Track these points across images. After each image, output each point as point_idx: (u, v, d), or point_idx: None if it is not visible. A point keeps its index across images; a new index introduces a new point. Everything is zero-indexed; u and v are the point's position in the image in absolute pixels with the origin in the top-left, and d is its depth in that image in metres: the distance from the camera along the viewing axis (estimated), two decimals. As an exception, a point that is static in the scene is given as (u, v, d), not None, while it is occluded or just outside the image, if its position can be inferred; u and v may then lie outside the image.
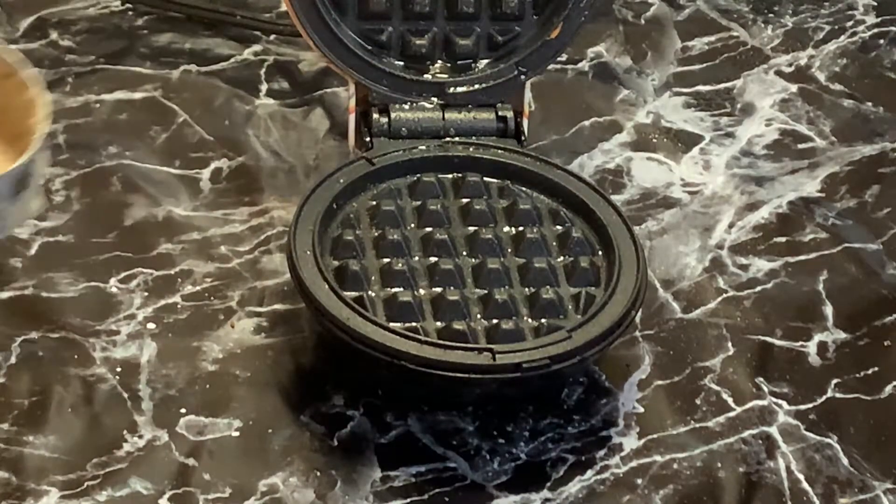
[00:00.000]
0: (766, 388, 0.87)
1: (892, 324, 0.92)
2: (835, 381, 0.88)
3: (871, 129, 1.10)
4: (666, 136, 1.07)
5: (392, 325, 0.81)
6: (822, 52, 1.18)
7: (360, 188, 0.90)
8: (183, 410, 0.82)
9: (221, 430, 0.82)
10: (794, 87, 1.13)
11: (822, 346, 0.90)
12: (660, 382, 0.87)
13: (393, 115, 0.94)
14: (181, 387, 0.84)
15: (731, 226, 0.99)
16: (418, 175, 0.91)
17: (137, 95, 1.06)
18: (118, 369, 0.84)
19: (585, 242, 0.89)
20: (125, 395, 0.83)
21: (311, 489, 0.79)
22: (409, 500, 0.79)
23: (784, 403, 0.86)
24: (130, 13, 1.14)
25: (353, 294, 0.83)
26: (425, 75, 0.96)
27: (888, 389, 0.88)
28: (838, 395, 0.87)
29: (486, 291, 0.85)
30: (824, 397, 0.87)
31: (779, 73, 1.15)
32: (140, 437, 0.81)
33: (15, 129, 0.52)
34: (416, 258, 0.87)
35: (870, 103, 1.12)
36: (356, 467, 0.80)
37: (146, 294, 0.89)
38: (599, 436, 0.83)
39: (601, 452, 0.82)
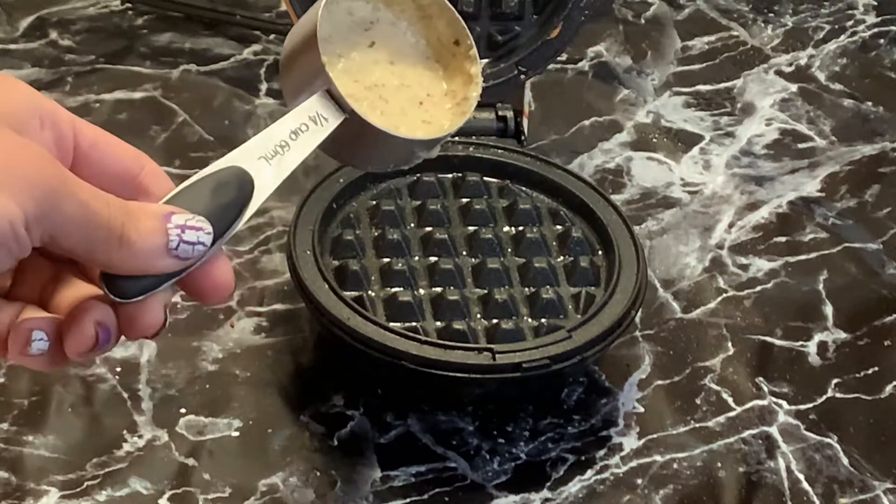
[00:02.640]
0: (766, 388, 0.87)
1: (892, 324, 0.92)
2: (835, 381, 0.88)
3: (871, 128, 1.10)
4: (666, 135, 1.07)
5: (392, 324, 0.81)
6: (822, 52, 1.18)
7: (359, 188, 0.90)
8: (183, 410, 0.82)
9: (221, 430, 0.81)
10: (794, 87, 1.13)
11: (822, 346, 0.90)
12: (660, 382, 0.87)
13: (393, 114, 0.94)
14: (181, 387, 0.84)
15: (731, 226, 0.99)
16: (418, 175, 0.91)
17: (137, 95, 1.06)
18: (118, 369, 0.84)
19: (585, 242, 0.89)
20: (125, 395, 0.83)
21: (311, 489, 0.79)
22: (409, 500, 0.79)
23: (784, 403, 0.86)
24: (130, 13, 1.14)
25: (353, 294, 0.83)
26: (425, 75, 0.96)
27: (888, 389, 0.88)
28: (838, 395, 0.87)
29: (486, 291, 0.85)
30: (824, 397, 0.87)
31: (779, 73, 1.15)
32: (140, 436, 0.80)
33: (459, 94, 0.58)
34: (416, 258, 0.87)
35: (870, 103, 1.12)
36: (356, 467, 0.80)
37: (146, 294, 0.89)
38: (599, 436, 0.83)
39: (601, 452, 0.82)
